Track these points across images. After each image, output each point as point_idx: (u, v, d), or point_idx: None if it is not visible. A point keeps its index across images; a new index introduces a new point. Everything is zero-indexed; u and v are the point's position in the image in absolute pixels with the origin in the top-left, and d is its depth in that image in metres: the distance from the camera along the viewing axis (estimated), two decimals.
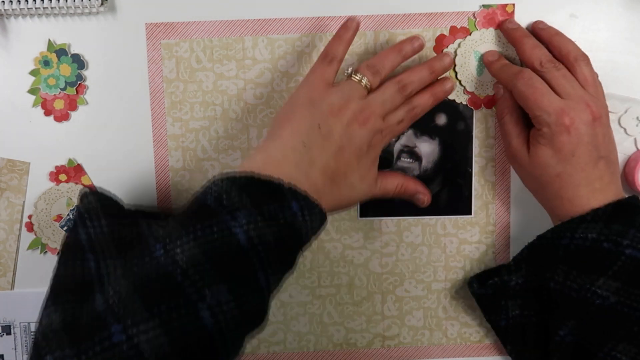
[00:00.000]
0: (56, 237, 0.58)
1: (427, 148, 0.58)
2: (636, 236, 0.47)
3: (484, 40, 0.56)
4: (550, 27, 0.54)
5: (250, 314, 0.42)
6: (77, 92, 0.57)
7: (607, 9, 0.56)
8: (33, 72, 0.56)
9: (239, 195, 0.43)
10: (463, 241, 0.59)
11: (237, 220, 0.41)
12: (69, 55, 0.56)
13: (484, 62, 0.56)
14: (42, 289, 0.58)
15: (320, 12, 0.56)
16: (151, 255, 0.41)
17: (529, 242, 0.53)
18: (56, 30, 0.56)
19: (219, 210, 0.42)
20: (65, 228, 0.58)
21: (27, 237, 0.59)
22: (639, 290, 0.46)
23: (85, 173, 0.58)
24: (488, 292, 0.55)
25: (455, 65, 0.56)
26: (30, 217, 0.58)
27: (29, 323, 0.60)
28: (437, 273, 0.60)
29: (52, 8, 0.54)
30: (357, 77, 0.51)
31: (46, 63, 0.56)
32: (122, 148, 0.58)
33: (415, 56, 0.54)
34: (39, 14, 0.55)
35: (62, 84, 0.56)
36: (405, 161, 0.58)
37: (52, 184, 0.58)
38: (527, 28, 0.55)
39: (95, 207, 0.49)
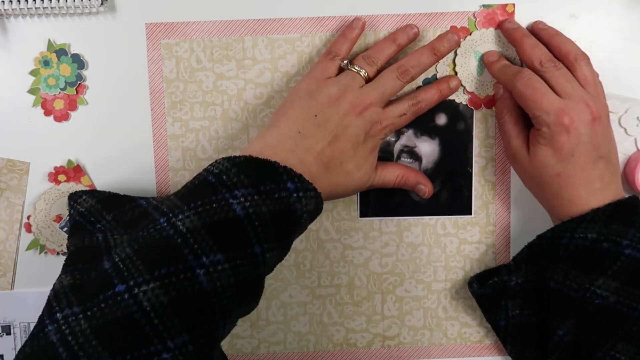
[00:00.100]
0: (55, 238, 0.58)
1: (427, 148, 0.58)
2: (636, 236, 0.47)
3: (484, 40, 0.56)
4: (550, 27, 0.54)
5: (245, 284, 0.43)
6: (77, 92, 0.57)
7: (607, 9, 0.56)
8: (33, 72, 0.56)
9: (238, 174, 0.44)
10: (463, 241, 0.59)
11: (235, 196, 0.43)
12: (69, 55, 0.56)
13: (484, 62, 0.56)
14: (42, 289, 0.59)
15: (320, 12, 0.56)
16: (155, 226, 0.43)
17: (528, 242, 0.53)
18: (56, 30, 0.56)
19: (219, 188, 0.44)
20: (65, 229, 0.58)
21: (26, 238, 0.59)
22: (638, 290, 0.47)
23: (84, 174, 0.58)
24: (488, 292, 0.55)
25: (455, 65, 0.56)
26: (29, 217, 0.58)
27: (28, 323, 0.60)
28: (437, 273, 0.60)
29: (52, 8, 0.54)
30: (354, 69, 0.52)
31: (46, 63, 0.56)
32: (122, 148, 0.58)
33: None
34: (39, 14, 0.55)
35: (62, 84, 0.56)
36: (405, 161, 0.58)
37: (52, 184, 0.58)
38: (527, 28, 0.55)
39: (97, 207, 0.51)
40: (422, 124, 0.57)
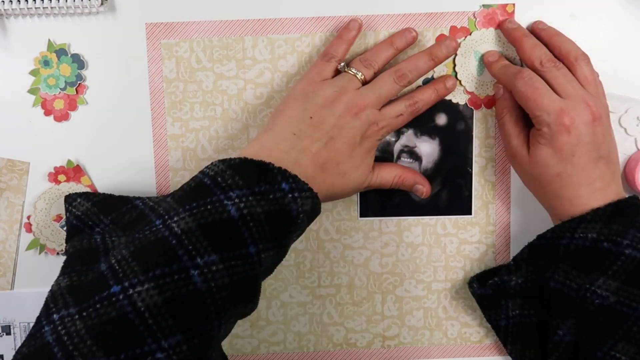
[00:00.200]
0: (55, 238, 0.58)
1: (427, 148, 0.58)
2: (636, 236, 0.47)
3: (484, 40, 0.56)
4: (550, 27, 0.54)
5: (240, 285, 0.43)
6: (77, 92, 0.57)
7: (607, 9, 0.56)
8: (33, 72, 0.56)
9: (232, 176, 0.44)
10: (463, 241, 0.59)
11: (230, 197, 0.43)
12: (69, 55, 0.56)
13: (484, 62, 0.56)
14: (41, 289, 0.58)
15: (320, 12, 0.56)
16: (151, 228, 0.43)
17: (529, 242, 0.53)
18: (56, 30, 0.56)
19: (214, 189, 0.44)
20: (65, 229, 0.58)
21: (27, 238, 0.59)
22: (639, 290, 0.47)
23: (84, 174, 0.58)
24: (488, 292, 0.55)
25: (455, 65, 0.56)
26: (29, 217, 0.58)
27: (28, 323, 0.60)
28: (437, 273, 0.60)
29: (52, 8, 0.54)
30: (351, 71, 0.52)
31: (46, 63, 0.56)
32: (122, 148, 0.58)
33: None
34: (39, 14, 0.55)
35: (62, 84, 0.56)
36: (405, 161, 0.58)
37: (52, 184, 0.58)
38: (527, 28, 0.55)
39: (94, 210, 0.51)
40: (422, 124, 0.57)
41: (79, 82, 0.57)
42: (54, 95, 0.57)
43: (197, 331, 0.41)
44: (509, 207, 0.59)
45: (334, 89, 0.51)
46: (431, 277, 0.60)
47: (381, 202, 0.59)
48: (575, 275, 0.49)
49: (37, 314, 0.44)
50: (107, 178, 0.58)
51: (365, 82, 0.52)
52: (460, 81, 0.56)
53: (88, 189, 0.58)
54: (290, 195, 0.45)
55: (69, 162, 0.58)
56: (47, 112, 0.57)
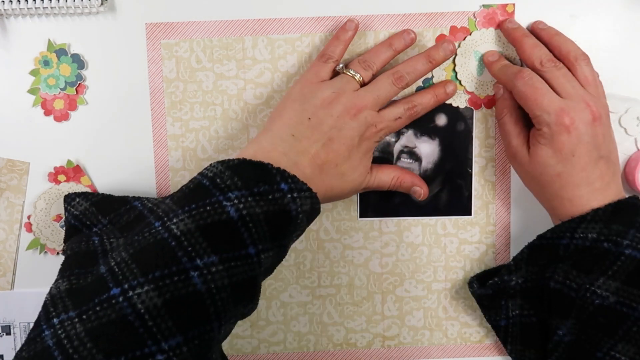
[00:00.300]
0: (55, 238, 0.58)
1: (427, 148, 0.58)
2: (636, 236, 0.47)
3: (484, 40, 0.56)
4: (550, 27, 0.54)
5: (240, 286, 0.43)
6: (77, 92, 0.57)
7: (607, 9, 0.56)
8: (33, 72, 0.56)
9: (231, 177, 0.44)
10: (463, 241, 0.59)
11: (229, 199, 0.43)
12: (69, 55, 0.56)
13: (484, 62, 0.56)
14: (42, 289, 0.59)
15: (320, 12, 0.56)
16: (150, 230, 0.43)
17: (529, 242, 0.53)
18: (56, 30, 0.56)
19: (213, 191, 0.44)
20: (65, 228, 0.58)
21: (27, 238, 0.59)
22: (638, 291, 0.47)
23: (84, 174, 0.58)
24: (488, 292, 0.55)
25: (455, 65, 0.56)
26: (29, 217, 0.58)
27: (28, 323, 0.60)
28: (437, 273, 0.60)
29: (52, 8, 0.54)
30: (349, 72, 0.52)
31: (46, 63, 0.56)
32: (122, 148, 0.58)
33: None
34: (39, 14, 0.55)
35: (62, 84, 0.56)
36: (405, 162, 0.58)
37: (52, 184, 0.58)
38: (527, 28, 0.55)
39: (92, 210, 0.51)
40: (422, 124, 0.57)
41: (79, 82, 0.57)
42: (54, 95, 0.57)
43: (197, 332, 0.41)
44: (509, 207, 0.59)
45: (332, 90, 0.51)
46: (431, 277, 0.60)
47: (381, 202, 0.59)
48: (575, 275, 0.49)
49: (37, 313, 0.44)
50: (107, 178, 0.58)
51: (363, 84, 0.52)
52: (460, 81, 0.56)
53: (88, 189, 0.58)
54: (289, 196, 0.45)
55: (69, 162, 0.58)
56: (47, 112, 0.57)
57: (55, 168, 0.58)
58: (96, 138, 0.58)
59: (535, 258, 0.52)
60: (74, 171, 0.58)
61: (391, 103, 0.54)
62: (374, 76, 0.53)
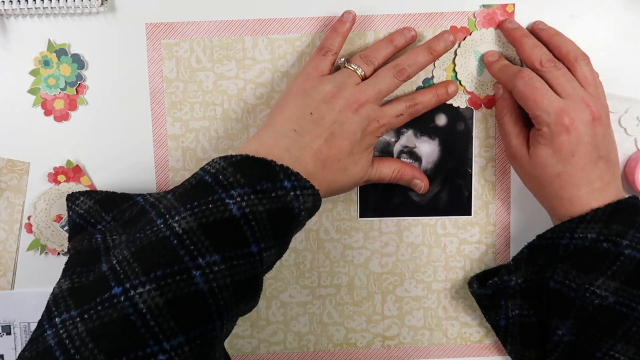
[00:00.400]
0: (55, 238, 0.58)
1: (427, 148, 0.58)
2: (635, 236, 0.47)
3: (484, 40, 0.56)
4: (550, 27, 0.54)
5: (242, 284, 0.43)
6: (77, 92, 0.57)
7: (607, 9, 0.56)
8: (33, 72, 0.56)
9: (234, 174, 0.44)
10: (463, 241, 0.59)
11: (232, 196, 0.43)
12: (69, 55, 0.56)
13: (484, 62, 0.56)
14: (42, 289, 0.59)
15: (320, 12, 0.56)
16: (152, 228, 0.43)
17: (528, 242, 0.53)
18: (56, 30, 0.56)
19: (215, 188, 0.44)
20: (66, 228, 0.58)
21: (27, 238, 0.59)
22: (638, 291, 0.47)
23: (84, 174, 0.58)
24: (488, 292, 0.55)
25: (455, 65, 0.56)
26: (29, 218, 0.58)
27: (29, 323, 0.60)
28: (437, 273, 0.60)
29: (52, 8, 0.54)
30: (351, 67, 0.52)
31: (46, 63, 0.56)
32: (122, 148, 0.58)
33: None
34: (39, 14, 0.55)
35: (62, 84, 0.56)
36: (405, 162, 0.58)
37: (52, 184, 0.58)
38: (527, 28, 0.55)
39: (96, 208, 0.51)
40: (422, 124, 0.57)
41: (79, 82, 0.57)
42: (54, 95, 0.57)
43: (199, 332, 0.41)
44: (508, 207, 0.59)
45: (333, 84, 0.50)
46: (431, 277, 0.60)
47: (381, 202, 0.59)
48: (575, 276, 0.49)
49: (37, 313, 0.44)
50: (107, 178, 0.58)
51: (364, 78, 0.52)
52: (460, 81, 0.56)
53: (88, 189, 0.58)
54: (292, 193, 0.45)
55: (69, 162, 0.58)
56: (47, 112, 0.57)
57: (55, 168, 0.58)
58: (96, 138, 0.58)
59: (534, 258, 0.52)
60: (74, 171, 0.58)
61: (393, 100, 0.54)
62: (375, 71, 0.53)
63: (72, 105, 0.57)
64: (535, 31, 0.55)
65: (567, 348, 0.49)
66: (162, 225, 0.43)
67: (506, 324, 0.54)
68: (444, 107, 0.57)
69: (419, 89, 0.57)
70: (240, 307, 0.44)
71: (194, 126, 0.58)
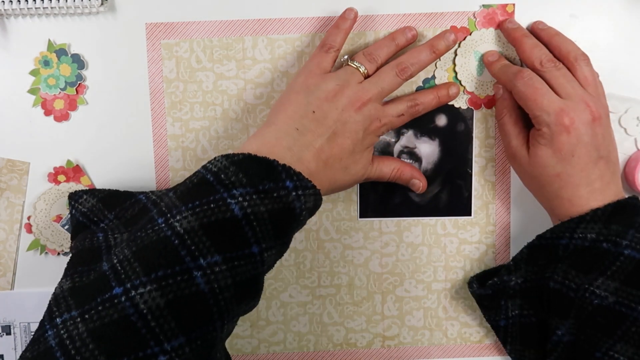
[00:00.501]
0: (55, 238, 0.58)
1: (427, 149, 0.58)
2: (635, 237, 0.47)
3: (484, 40, 0.56)
4: (550, 27, 0.54)
5: (243, 285, 0.43)
6: (77, 92, 0.57)
7: (607, 9, 0.56)
8: (33, 72, 0.56)
9: (236, 173, 0.44)
10: (463, 241, 0.59)
11: (234, 196, 0.43)
12: (69, 55, 0.56)
13: (484, 62, 0.56)
14: (42, 289, 0.59)
15: (320, 12, 0.56)
16: (153, 227, 0.43)
17: (528, 242, 0.53)
18: (56, 30, 0.56)
19: (217, 187, 0.43)
20: (66, 227, 0.58)
21: (27, 238, 0.59)
22: (637, 291, 0.47)
23: (84, 174, 0.58)
24: (488, 292, 0.55)
25: (455, 65, 0.56)
26: (29, 218, 0.58)
27: (29, 323, 0.60)
28: (437, 273, 0.60)
29: (52, 8, 0.54)
30: (354, 64, 0.52)
31: (46, 63, 0.56)
32: (122, 148, 0.58)
33: None
34: (39, 14, 0.55)
35: (62, 84, 0.56)
36: (405, 161, 0.58)
37: (52, 185, 0.58)
38: (527, 28, 0.55)
39: (99, 207, 0.51)
40: (422, 125, 0.57)
41: (79, 82, 0.57)
42: (54, 95, 0.57)
43: (200, 333, 0.41)
44: (508, 207, 0.59)
45: (336, 82, 0.50)
46: (431, 277, 0.60)
47: (381, 202, 0.59)
48: (575, 276, 0.49)
49: (38, 313, 0.44)
50: (107, 178, 0.58)
51: (367, 77, 0.52)
52: (460, 81, 0.56)
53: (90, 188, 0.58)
54: (294, 193, 0.45)
55: (69, 162, 0.58)
56: (47, 112, 0.57)
57: (55, 168, 0.58)
58: (96, 138, 0.58)
59: (534, 258, 0.52)
60: (74, 171, 0.58)
61: (394, 99, 0.54)
62: (377, 69, 0.53)
63: (72, 105, 0.57)
64: (535, 31, 0.55)
65: (567, 348, 0.50)
66: (163, 225, 0.43)
67: (506, 324, 0.54)
68: (444, 108, 0.57)
69: (419, 89, 0.57)
70: (241, 307, 0.44)
71: (194, 126, 0.58)
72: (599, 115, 0.49)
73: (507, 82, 0.53)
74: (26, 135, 0.57)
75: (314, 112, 0.49)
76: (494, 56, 0.55)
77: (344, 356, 0.61)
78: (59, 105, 0.57)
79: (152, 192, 0.52)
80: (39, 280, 0.59)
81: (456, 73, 0.56)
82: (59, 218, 0.58)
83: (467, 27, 0.56)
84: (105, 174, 0.58)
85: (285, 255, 0.51)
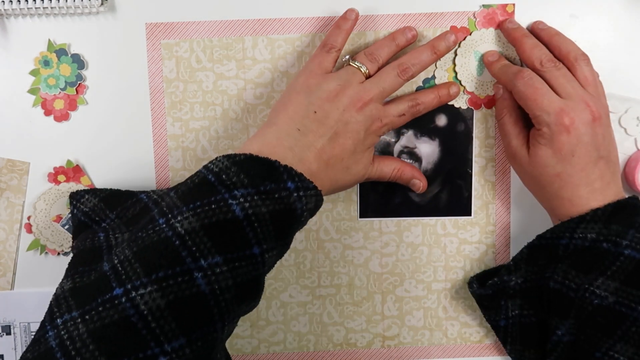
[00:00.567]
0: (55, 238, 0.58)
1: (427, 149, 0.58)
2: (635, 237, 0.47)
3: (484, 40, 0.56)
4: (550, 27, 0.54)
5: (244, 286, 0.43)
6: (77, 92, 0.57)
7: (607, 9, 0.56)
8: (33, 72, 0.56)
9: (237, 174, 0.44)
10: (463, 241, 0.59)
11: (235, 197, 0.43)
12: (69, 55, 0.56)
13: (484, 62, 0.56)
14: (42, 289, 0.59)
15: (320, 12, 0.56)
16: (154, 227, 0.43)
17: (528, 242, 0.53)
18: (56, 30, 0.56)
19: (219, 187, 0.43)
20: (67, 227, 0.58)
21: (27, 238, 0.59)
22: (637, 291, 0.47)
23: (84, 174, 0.58)
24: (488, 292, 0.55)
25: (455, 65, 0.56)
26: (29, 218, 0.58)
27: (29, 323, 0.60)
28: (437, 273, 0.60)
29: (52, 8, 0.54)
30: (355, 64, 0.52)
31: (46, 63, 0.56)
32: (122, 148, 0.58)
33: None
34: (39, 14, 0.55)
35: (62, 84, 0.56)
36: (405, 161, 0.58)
37: (52, 185, 0.58)
38: (527, 28, 0.55)
39: (100, 206, 0.51)
40: (422, 125, 0.57)
41: (79, 82, 0.57)
42: (54, 95, 0.57)
43: (201, 334, 0.41)
44: (508, 207, 0.59)
45: (337, 82, 0.50)
46: (431, 277, 0.60)
47: (381, 202, 0.59)
48: (575, 276, 0.49)
49: (38, 313, 0.44)
50: (107, 178, 0.58)
51: (368, 77, 0.52)
52: (460, 81, 0.56)
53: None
54: (295, 194, 0.45)
55: (69, 162, 0.58)
56: (47, 112, 0.57)
57: (55, 168, 0.58)
58: (96, 138, 0.58)
59: (534, 258, 0.52)
60: (74, 171, 0.58)
61: (395, 99, 0.54)
62: (378, 69, 0.53)
63: (72, 105, 0.57)
64: (535, 31, 0.55)
65: (567, 348, 0.50)
66: (164, 225, 0.42)
67: (506, 324, 0.54)
68: (444, 108, 0.57)
69: (419, 89, 0.57)
70: (241, 308, 0.44)
71: (194, 126, 0.58)
72: (599, 115, 0.49)
73: (507, 82, 0.53)
74: (26, 135, 0.57)
75: (315, 112, 0.49)
76: (494, 56, 0.55)
77: (344, 356, 0.61)
78: (59, 105, 0.57)
79: (153, 191, 0.52)
80: (39, 280, 0.59)
81: (456, 73, 0.56)
82: (59, 218, 0.58)
83: (467, 27, 0.56)
84: (105, 174, 0.58)
85: (285, 255, 0.51)
